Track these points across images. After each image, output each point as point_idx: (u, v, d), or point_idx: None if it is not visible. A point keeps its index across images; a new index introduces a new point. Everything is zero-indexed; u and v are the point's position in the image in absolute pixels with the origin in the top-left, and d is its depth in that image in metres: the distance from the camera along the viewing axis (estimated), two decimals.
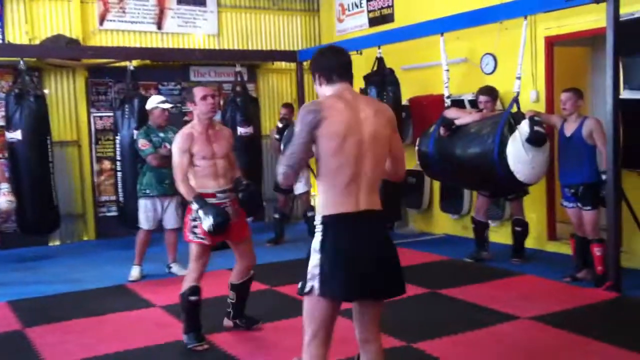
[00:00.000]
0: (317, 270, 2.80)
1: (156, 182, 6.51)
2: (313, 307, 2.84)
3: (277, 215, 8.44)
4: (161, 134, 6.59)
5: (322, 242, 2.81)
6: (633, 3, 5.70)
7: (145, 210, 6.55)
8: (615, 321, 4.86)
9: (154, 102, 6.67)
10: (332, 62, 2.97)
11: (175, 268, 6.74)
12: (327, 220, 2.82)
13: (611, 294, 5.39)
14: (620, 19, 5.44)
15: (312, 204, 8.55)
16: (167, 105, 6.65)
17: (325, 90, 2.96)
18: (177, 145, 4.41)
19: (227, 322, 4.89)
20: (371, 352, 2.96)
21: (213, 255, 4.65)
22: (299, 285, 2.87)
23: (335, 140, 2.77)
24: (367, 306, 2.93)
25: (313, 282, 2.81)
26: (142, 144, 6.48)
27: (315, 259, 2.82)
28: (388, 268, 2.88)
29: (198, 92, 4.48)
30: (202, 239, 4.41)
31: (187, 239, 4.50)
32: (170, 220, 6.64)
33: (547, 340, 4.46)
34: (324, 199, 2.86)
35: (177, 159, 4.38)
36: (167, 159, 6.44)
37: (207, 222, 4.24)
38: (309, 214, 8.28)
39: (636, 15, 5.80)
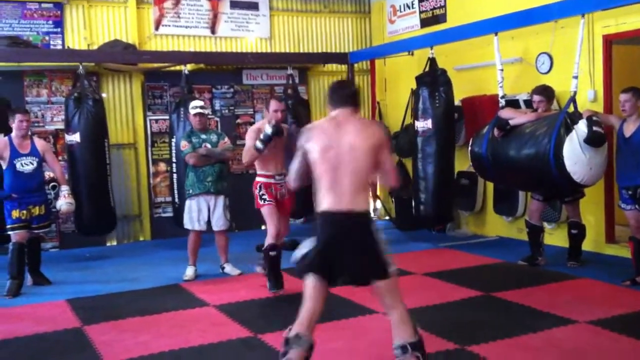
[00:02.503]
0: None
1: (197, 181, 6.61)
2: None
3: None
4: (203, 136, 6.72)
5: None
6: None
7: (190, 211, 6.66)
8: None
9: (190, 107, 6.87)
10: (334, 93, 3.76)
11: (228, 268, 6.82)
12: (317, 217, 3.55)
13: None
14: None
15: None
16: (195, 111, 6.74)
17: (331, 113, 3.76)
18: (248, 135, 6.01)
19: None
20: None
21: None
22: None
23: (315, 152, 3.54)
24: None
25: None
26: (183, 145, 6.67)
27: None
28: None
29: (272, 105, 6.03)
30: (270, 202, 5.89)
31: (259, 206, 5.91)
32: (218, 222, 6.70)
33: (605, 346, 4.35)
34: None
35: (248, 142, 5.92)
36: (206, 158, 6.58)
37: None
38: None
39: None
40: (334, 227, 3.47)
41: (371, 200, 9.56)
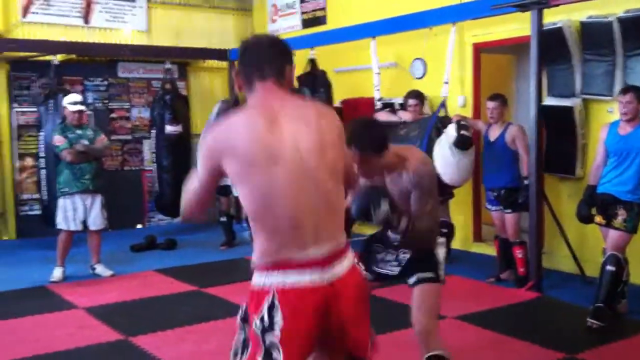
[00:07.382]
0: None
1: (74, 178, 6.30)
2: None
3: (223, 218, 8.09)
4: (78, 131, 6.42)
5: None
6: (556, 13, 5.90)
7: (65, 210, 6.33)
8: (536, 320, 5.01)
9: (66, 101, 6.53)
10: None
11: (99, 269, 6.55)
12: None
13: (532, 294, 5.56)
14: (544, 28, 5.62)
15: None
16: (76, 108, 6.43)
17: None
18: None
19: None
20: None
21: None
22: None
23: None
24: None
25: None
26: (58, 140, 6.33)
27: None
28: None
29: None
30: None
31: None
32: (95, 221, 6.43)
33: (470, 339, 4.57)
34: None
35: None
36: (84, 155, 6.28)
37: None
38: None
39: (558, 25, 5.99)
40: None
41: None
